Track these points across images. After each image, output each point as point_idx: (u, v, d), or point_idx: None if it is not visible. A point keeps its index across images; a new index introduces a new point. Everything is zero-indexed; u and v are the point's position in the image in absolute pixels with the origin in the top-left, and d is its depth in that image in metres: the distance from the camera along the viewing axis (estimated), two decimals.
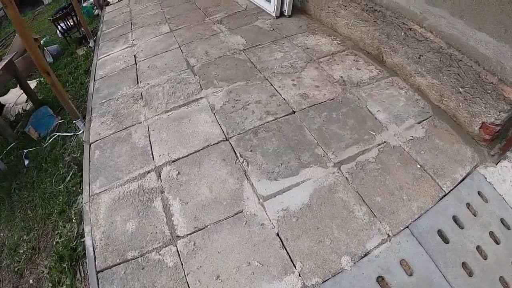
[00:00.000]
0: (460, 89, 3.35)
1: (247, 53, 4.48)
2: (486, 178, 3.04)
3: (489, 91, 3.12)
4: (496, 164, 3.19)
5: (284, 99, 3.63)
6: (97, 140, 3.63)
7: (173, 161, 3.17)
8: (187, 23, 5.75)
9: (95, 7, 8.68)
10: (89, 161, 3.42)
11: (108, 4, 8.38)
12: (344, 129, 3.27)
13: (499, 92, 3.03)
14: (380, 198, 2.70)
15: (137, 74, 4.61)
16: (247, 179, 2.91)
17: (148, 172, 3.14)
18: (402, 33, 3.71)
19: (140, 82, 4.39)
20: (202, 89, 3.95)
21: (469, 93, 3.29)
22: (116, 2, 8.29)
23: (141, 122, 3.70)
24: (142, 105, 3.93)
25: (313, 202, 2.69)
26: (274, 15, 5.21)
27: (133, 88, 4.31)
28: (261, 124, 3.37)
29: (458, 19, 3.23)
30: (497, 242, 2.56)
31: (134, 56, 5.14)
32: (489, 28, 3.00)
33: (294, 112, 3.47)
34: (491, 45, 3.04)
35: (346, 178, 2.86)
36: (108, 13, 7.82)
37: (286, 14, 5.21)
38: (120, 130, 3.67)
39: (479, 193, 2.88)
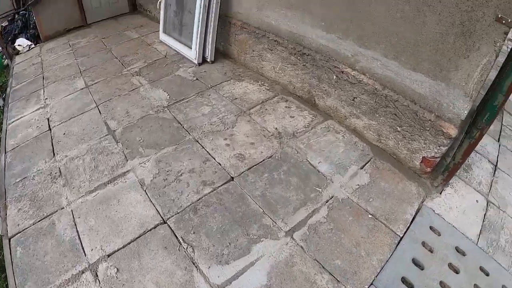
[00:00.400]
0: (398, 128, 3.35)
1: (172, 110, 4.16)
2: (434, 210, 3.09)
3: (428, 128, 3.16)
4: (441, 193, 3.26)
5: (220, 164, 3.36)
6: (17, 234, 3.12)
7: (109, 256, 2.78)
8: (103, 76, 5.26)
9: (4, 57, 7.90)
10: (12, 262, 2.93)
11: (17, 53, 7.57)
12: (289, 190, 3.08)
13: (437, 128, 3.08)
14: (339, 260, 2.57)
15: (52, 143, 4.07)
16: (196, 267, 2.61)
17: (83, 272, 2.72)
18: (334, 76, 3.63)
19: (57, 154, 3.88)
20: (127, 160, 3.54)
21: (407, 131, 3.31)
22: (27, 51, 7.52)
23: (63, 207, 3.24)
24: (62, 185, 3.47)
25: (272, 281, 2.47)
26: (196, 62, 4.95)
27: (50, 162, 3.79)
28: (200, 198, 3.08)
29: (392, 60, 3.23)
30: (457, 272, 2.63)
31: (48, 120, 4.57)
32: (425, 68, 3.04)
33: (232, 178, 3.22)
34: (427, 84, 3.08)
35: (301, 246, 2.68)
36: (18, 64, 6.91)
37: (208, 60, 4.97)
38: (41, 219, 3.19)
39: (431, 228, 2.92)
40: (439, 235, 2.90)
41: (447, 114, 3.10)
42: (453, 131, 3.09)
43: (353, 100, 3.64)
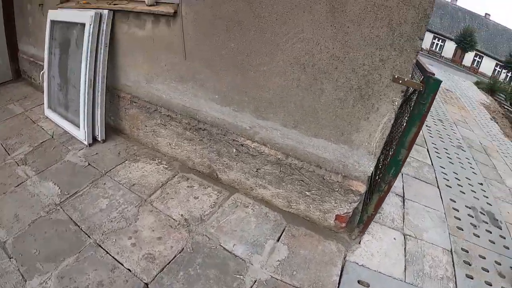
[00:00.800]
0: (307, 192, 3.38)
1: (66, 208, 3.66)
2: (358, 263, 3.16)
3: (337, 189, 3.22)
4: (360, 243, 3.35)
5: (129, 270, 3.02)
6: None
7: None
8: None
9: None
10: None
11: None
12: (210, 285, 2.87)
13: (346, 187, 3.16)
14: None
15: None
16: None
17: None
18: (234, 150, 3.54)
19: None
20: (26, 281, 3.00)
21: (317, 194, 3.35)
22: None
23: None
24: None
25: None
26: (86, 143, 4.51)
27: None
28: None
29: (292, 129, 3.25)
30: None
31: None
32: (326, 134, 3.12)
33: (147, 285, 2.90)
34: (330, 148, 3.15)
35: None
36: None
37: (99, 139, 4.57)
38: None
39: (359, 281, 2.97)
40: (368, 286, 2.93)
41: (353, 173, 3.18)
42: (361, 188, 3.18)
43: (256, 171, 3.56)
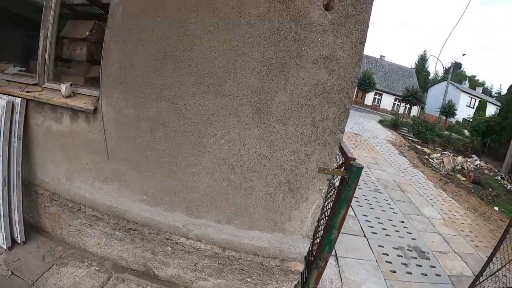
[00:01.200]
0: (248, 279, 3.52)
1: None
2: None
3: (276, 272, 3.35)
4: None
5: None
6: None
7: None
8: None
9: None
10: None
11: None
12: None
13: (285, 269, 3.33)
14: None
15: None
16: None
17: None
18: (169, 248, 3.51)
19: None
20: None
21: (258, 279, 3.43)
22: None
23: None
24: None
25: None
26: (5, 247, 4.06)
27: None
28: None
29: (226, 225, 3.34)
30: None
31: None
32: (260, 225, 3.26)
33: None
34: (265, 237, 3.29)
35: None
36: None
37: (19, 240, 4.11)
38: None
39: None
40: None
41: (290, 256, 3.32)
42: (300, 267, 3.34)
43: (195, 266, 3.55)
